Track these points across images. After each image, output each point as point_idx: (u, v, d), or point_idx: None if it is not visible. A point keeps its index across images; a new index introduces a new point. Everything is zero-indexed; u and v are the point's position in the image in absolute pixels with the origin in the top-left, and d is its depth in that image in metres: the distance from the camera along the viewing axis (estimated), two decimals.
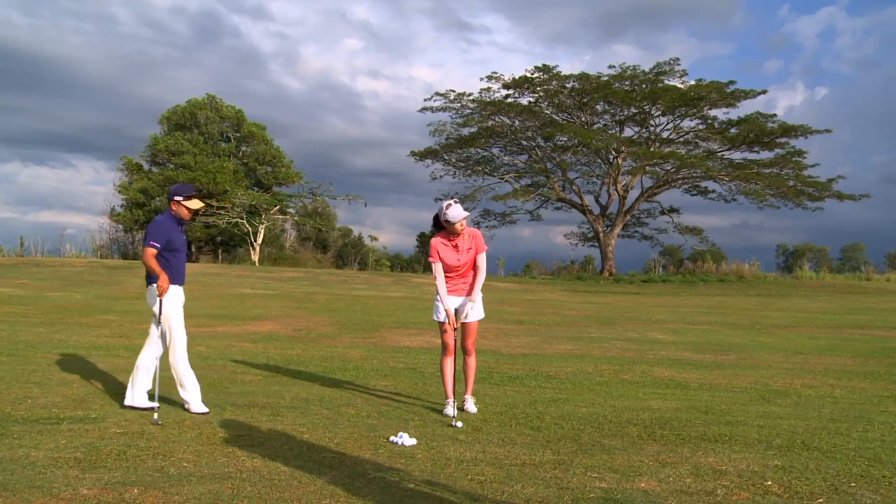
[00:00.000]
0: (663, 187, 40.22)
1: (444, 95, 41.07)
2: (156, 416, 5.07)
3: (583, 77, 38.93)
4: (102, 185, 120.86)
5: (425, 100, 47.51)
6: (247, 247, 39.76)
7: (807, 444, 4.82)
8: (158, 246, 5.34)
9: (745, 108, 39.00)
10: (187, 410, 5.40)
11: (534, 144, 42.08)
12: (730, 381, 7.92)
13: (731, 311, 19.88)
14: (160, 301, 5.35)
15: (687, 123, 40.19)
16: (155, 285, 5.35)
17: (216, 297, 17.70)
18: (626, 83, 38.71)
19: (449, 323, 5.70)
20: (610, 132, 41.02)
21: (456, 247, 5.70)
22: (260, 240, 38.65)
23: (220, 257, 40.85)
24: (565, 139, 40.28)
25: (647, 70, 38.73)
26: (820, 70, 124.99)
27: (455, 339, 5.77)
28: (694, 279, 34.98)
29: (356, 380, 7.33)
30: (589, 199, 41.34)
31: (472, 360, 5.88)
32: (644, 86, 38.40)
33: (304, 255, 43.73)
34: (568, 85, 39.65)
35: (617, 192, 39.96)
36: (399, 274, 37.07)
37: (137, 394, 5.45)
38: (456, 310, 5.74)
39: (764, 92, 38.21)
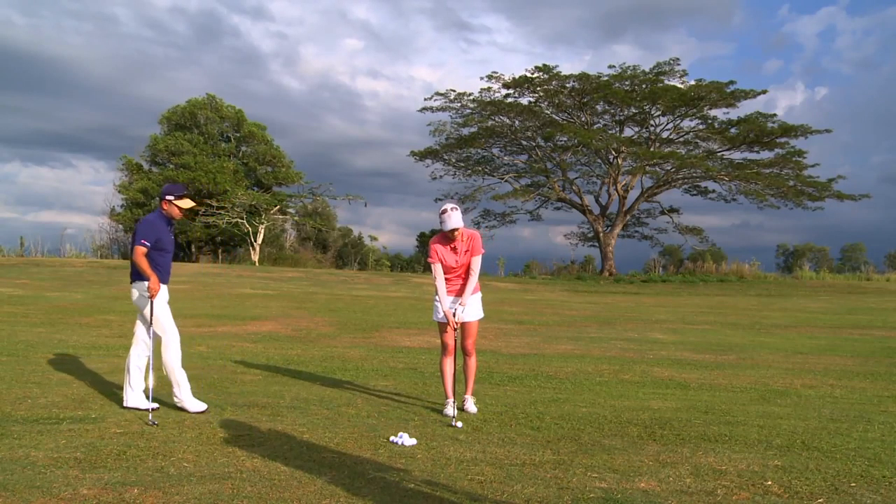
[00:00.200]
0: (663, 187, 40.23)
1: (444, 95, 41.10)
2: (150, 416, 5.07)
3: (583, 77, 38.94)
4: (102, 185, 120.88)
5: (425, 99, 47.60)
6: (247, 247, 39.76)
7: (807, 444, 4.82)
8: (149, 245, 5.32)
9: (745, 108, 39.09)
10: (183, 410, 5.38)
11: (534, 144, 42.09)
12: (730, 381, 7.92)
13: (731, 311, 19.88)
14: (151, 303, 5.35)
15: (687, 123, 40.23)
16: (144, 284, 5.34)
17: (216, 297, 17.70)
18: (626, 83, 38.71)
19: (448, 323, 5.70)
20: (610, 132, 41.03)
21: (454, 249, 5.70)
22: (260, 240, 38.64)
23: (220, 257, 40.83)
24: (565, 139, 40.28)
25: (647, 70, 38.76)
26: (820, 70, 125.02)
27: (455, 340, 5.77)
28: (694, 279, 34.98)
29: (356, 380, 7.33)
30: (589, 199, 41.41)
31: (472, 361, 5.88)
32: (644, 86, 38.39)
33: (304, 255, 43.71)
34: (568, 85, 39.65)
35: (617, 192, 39.97)
36: (399, 274, 37.07)
37: (136, 395, 5.45)
38: (455, 309, 5.74)
39: (764, 92, 38.27)
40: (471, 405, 5.77)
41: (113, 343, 9.43)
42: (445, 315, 5.68)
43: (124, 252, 39.58)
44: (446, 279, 5.74)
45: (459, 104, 41.16)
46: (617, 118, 41.21)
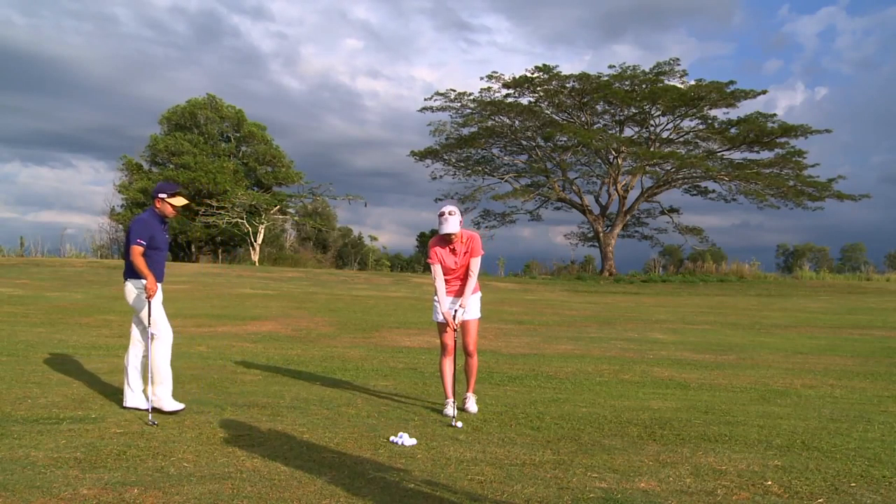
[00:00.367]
0: (663, 187, 40.23)
1: (444, 95, 41.11)
2: (150, 416, 5.07)
3: (583, 77, 38.94)
4: (102, 185, 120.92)
5: (425, 99, 47.61)
6: (247, 247, 39.76)
7: (807, 444, 4.82)
8: (144, 243, 5.31)
9: (745, 108, 39.10)
10: (158, 410, 5.24)
11: (534, 144, 42.09)
12: (730, 381, 7.92)
13: (731, 311, 19.88)
14: (149, 303, 5.34)
15: (687, 123, 40.25)
16: (139, 282, 5.32)
17: (216, 297, 17.70)
18: (626, 83, 38.72)
19: (448, 324, 5.70)
20: (610, 132, 41.03)
21: (453, 250, 5.70)
22: (260, 240, 38.64)
23: (220, 257, 40.83)
24: (565, 139, 40.28)
25: (647, 70, 38.77)
26: (820, 70, 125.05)
27: (455, 340, 5.77)
28: (694, 279, 34.98)
29: (356, 380, 7.33)
30: (589, 199, 41.42)
31: (473, 361, 5.88)
32: (644, 86, 38.40)
33: (304, 255, 43.72)
34: (568, 85, 39.66)
35: (617, 192, 39.97)
36: (399, 274, 37.07)
37: (135, 395, 5.45)
38: (455, 310, 5.74)
39: (764, 92, 38.27)
40: (472, 404, 5.77)
41: (113, 343, 9.43)
42: (444, 316, 5.68)
43: (124, 252, 39.59)
44: (445, 280, 5.74)
45: (459, 104, 41.19)
46: (617, 118, 41.22)
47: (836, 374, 8.57)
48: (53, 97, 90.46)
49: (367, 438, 4.77)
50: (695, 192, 41.21)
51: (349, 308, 16.39)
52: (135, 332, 5.53)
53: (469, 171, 42.46)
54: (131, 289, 5.41)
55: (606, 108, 40.74)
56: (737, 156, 39.62)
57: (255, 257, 38.14)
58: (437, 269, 5.70)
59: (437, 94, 41.30)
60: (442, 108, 41.41)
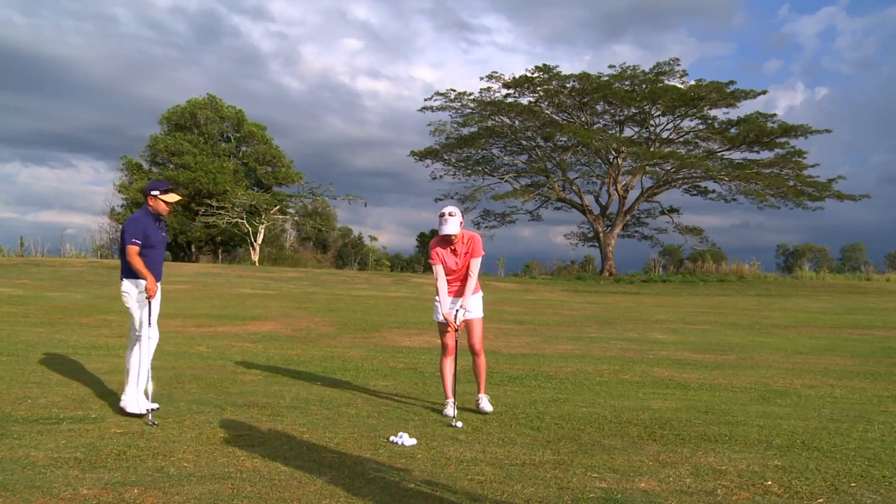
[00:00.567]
0: (663, 187, 40.22)
1: (444, 95, 41.10)
2: (150, 416, 5.07)
3: (583, 77, 38.94)
4: (102, 185, 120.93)
5: (425, 99, 47.60)
6: (247, 247, 39.76)
7: (807, 444, 4.82)
8: (139, 242, 5.30)
9: (745, 108, 39.07)
10: (121, 410, 5.20)
11: (534, 144, 42.08)
12: (730, 381, 7.92)
13: (731, 311, 19.87)
14: (150, 303, 5.33)
15: (687, 123, 40.22)
16: (139, 282, 5.32)
17: (216, 297, 17.70)
18: (626, 83, 38.71)
19: (448, 324, 5.70)
20: (610, 132, 41.02)
21: (454, 250, 5.71)
22: (260, 240, 38.64)
23: (220, 257, 40.83)
24: (565, 139, 40.27)
25: (647, 70, 38.76)
26: (820, 70, 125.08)
27: (456, 340, 5.77)
28: (694, 279, 34.97)
29: (356, 380, 7.33)
30: (589, 199, 41.40)
31: (480, 361, 5.87)
32: (644, 86, 38.39)
33: (304, 255, 43.72)
34: (568, 85, 39.65)
35: (617, 192, 39.96)
36: (399, 274, 37.07)
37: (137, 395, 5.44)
38: (456, 311, 5.74)
39: (764, 92, 38.25)
40: (485, 404, 5.76)
41: (113, 343, 9.43)
42: (445, 317, 5.68)
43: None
44: (447, 280, 5.74)
45: (459, 104, 41.17)
46: (617, 118, 41.21)
47: (836, 374, 8.57)
48: (53, 97, 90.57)
49: (367, 438, 4.77)
50: (695, 192, 41.24)
51: (349, 308, 16.39)
52: (133, 333, 5.52)
53: (469, 171, 42.46)
54: (130, 288, 5.38)
55: (606, 108, 40.73)
56: (737, 156, 39.66)
57: (255, 257, 38.14)
58: (438, 270, 5.71)
59: (437, 93, 41.32)
60: (442, 108, 41.42)
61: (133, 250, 5.28)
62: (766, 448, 4.71)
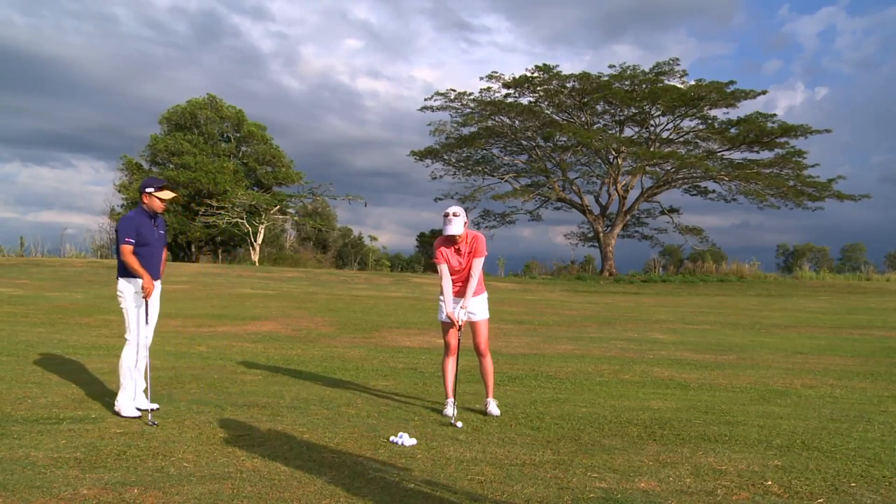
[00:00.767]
0: (663, 187, 40.23)
1: (444, 95, 41.11)
2: (150, 416, 5.07)
3: (583, 77, 38.94)
4: (102, 185, 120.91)
5: (425, 99, 47.59)
6: (247, 247, 39.76)
7: (807, 444, 4.82)
8: (133, 241, 5.28)
9: (745, 108, 39.09)
10: (117, 413, 5.22)
11: (534, 144, 42.09)
12: (730, 381, 7.92)
13: (731, 311, 19.88)
14: (146, 303, 5.33)
15: (687, 123, 40.23)
16: (135, 281, 5.31)
17: (216, 297, 17.70)
18: (626, 83, 38.72)
19: (451, 324, 5.69)
20: (610, 132, 41.02)
21: (458, 250, 5.72)
22: (260, 240, 38.64)
23: (220, 257, 40.83)
24: (565, 139, 40.28)
25: (647, 70, 38.76)
26: (820, 70, 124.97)
27: (458, 340, 5.77)
28: (694, 279, 34.98)
29: (356, 380, 7.33)
30: (589, 199, 41.41)
31: (487, 362, 5.86)
32: (644, 86, 38.39)
33: (304, 255, 43.72)
34: (568, 85, 39.66)
35: (617, 192, 39.97)
36: (399, 274, 37.06)
37: (138, 396, 5.44)
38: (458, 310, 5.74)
39: (764, 92, 38.26)
40: (493, 407, 5.73)
41: (113, 343, 9.42)
42: (448, 315, 5.68)
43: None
44: (451, 280, 5.75)
45: (459, 104, 41.18)
46: (617, 118, 41.21)
47: (836, 374, 8.57)
48: (53, 97, 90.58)
49: (367, 438, 4.77)
50: (695, 192, 41.25)
51: (349, 308, 16.39)
52: (127, 333, 5.51)
53: (469, 171, 42.47)
54: (126, 287, 5.34)
55: (606, 108, 40.74)
56: (737, 156, 39.66)
57: (255, 257, 38.14)
58: (443, 269, 5.71)
59: (437, 93, 41.33)
60: (442, 108, 41.43)
61: (127, 249, 5.26)
62: (766, 448, 4.71)
